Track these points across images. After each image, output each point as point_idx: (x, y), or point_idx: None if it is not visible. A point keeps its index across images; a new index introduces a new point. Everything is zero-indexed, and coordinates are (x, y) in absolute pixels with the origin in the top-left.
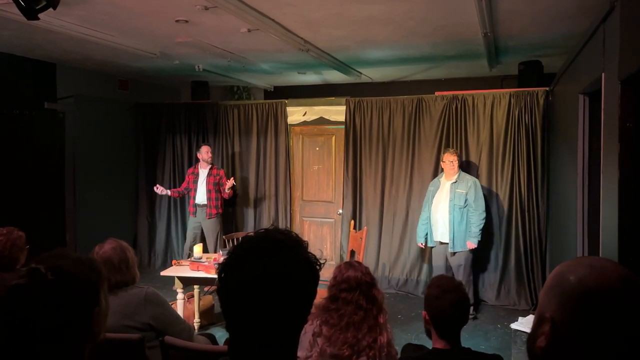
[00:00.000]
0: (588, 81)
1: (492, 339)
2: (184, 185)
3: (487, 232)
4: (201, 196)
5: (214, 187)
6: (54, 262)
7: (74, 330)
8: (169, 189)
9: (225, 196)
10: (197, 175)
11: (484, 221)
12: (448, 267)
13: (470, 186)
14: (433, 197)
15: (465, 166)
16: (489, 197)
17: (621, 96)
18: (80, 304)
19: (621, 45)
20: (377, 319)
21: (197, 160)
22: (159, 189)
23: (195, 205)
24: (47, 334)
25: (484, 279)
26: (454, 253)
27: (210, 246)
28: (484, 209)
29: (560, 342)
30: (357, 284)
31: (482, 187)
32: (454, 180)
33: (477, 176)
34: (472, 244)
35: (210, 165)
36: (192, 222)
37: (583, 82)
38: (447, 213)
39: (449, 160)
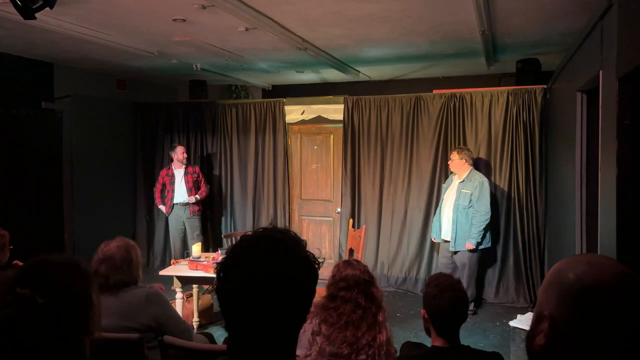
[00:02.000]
0: (586, 79)
1: (490, 337)
2: (159, 187)
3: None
4: (182, 196)
5: (194, 184)
6: (41, 275)
7: (73, 337)
8: (162, 203)
9: (202, 197)
10: (173, 176)
11: (485, 222)
12: (453, 264)
13: (476, 186)
14: (444, 193)
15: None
16: None
17: (619, 93)
18: (76, 313)
19: (619, 42)
20: (376, 317)
21: (171, 160)
22: (163, 207)
23: (173, 206)
24: (46, 349)
25: (482, 277)
26: (456, 252)
27: (192, 243)
28: (487, 210)
29: (559, 339)
30: (356, 283)
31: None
32: (461, 180)
33: None
34: (470, 244)
35: (184, 165)
36: (173, 222)
37: (581, 79)
38: (451, 212)
39: (451, 158)
